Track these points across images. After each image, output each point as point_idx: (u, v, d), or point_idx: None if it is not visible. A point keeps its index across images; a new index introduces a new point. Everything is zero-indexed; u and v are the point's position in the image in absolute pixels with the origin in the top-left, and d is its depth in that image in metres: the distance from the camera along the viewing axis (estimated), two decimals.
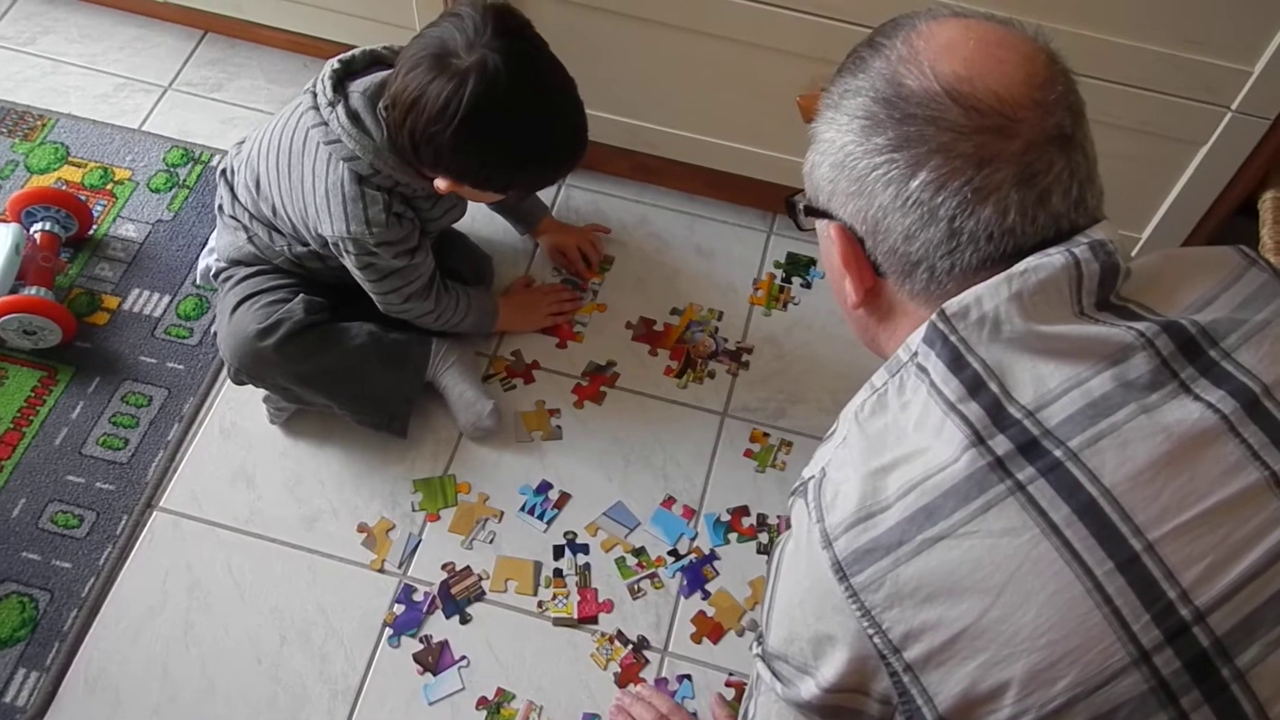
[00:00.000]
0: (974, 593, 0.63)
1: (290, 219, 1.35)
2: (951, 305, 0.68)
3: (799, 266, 1.70)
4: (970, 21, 0.71)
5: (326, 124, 1.25)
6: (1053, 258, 0.67)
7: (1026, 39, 0.70)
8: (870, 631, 0.66)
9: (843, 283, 0.75)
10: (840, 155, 0.71)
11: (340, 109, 1.25)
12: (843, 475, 0.69)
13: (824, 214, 0.74)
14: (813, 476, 0.72)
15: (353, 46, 1.73)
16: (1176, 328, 0.68)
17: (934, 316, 0.68)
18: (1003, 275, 0.67)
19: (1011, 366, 0.67)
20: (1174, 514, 0.63)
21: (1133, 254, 0.73)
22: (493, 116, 1.17)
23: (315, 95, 1.27)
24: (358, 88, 1.27)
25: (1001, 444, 0.65)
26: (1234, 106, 1.32)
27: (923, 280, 0.71)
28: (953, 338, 0.67)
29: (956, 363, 0.67)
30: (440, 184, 1.26)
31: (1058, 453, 0.65)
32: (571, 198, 1.77)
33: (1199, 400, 0.66)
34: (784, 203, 0.80)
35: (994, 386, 0.66)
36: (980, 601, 0.63)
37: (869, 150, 0.69)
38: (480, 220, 1.68)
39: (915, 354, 0.70)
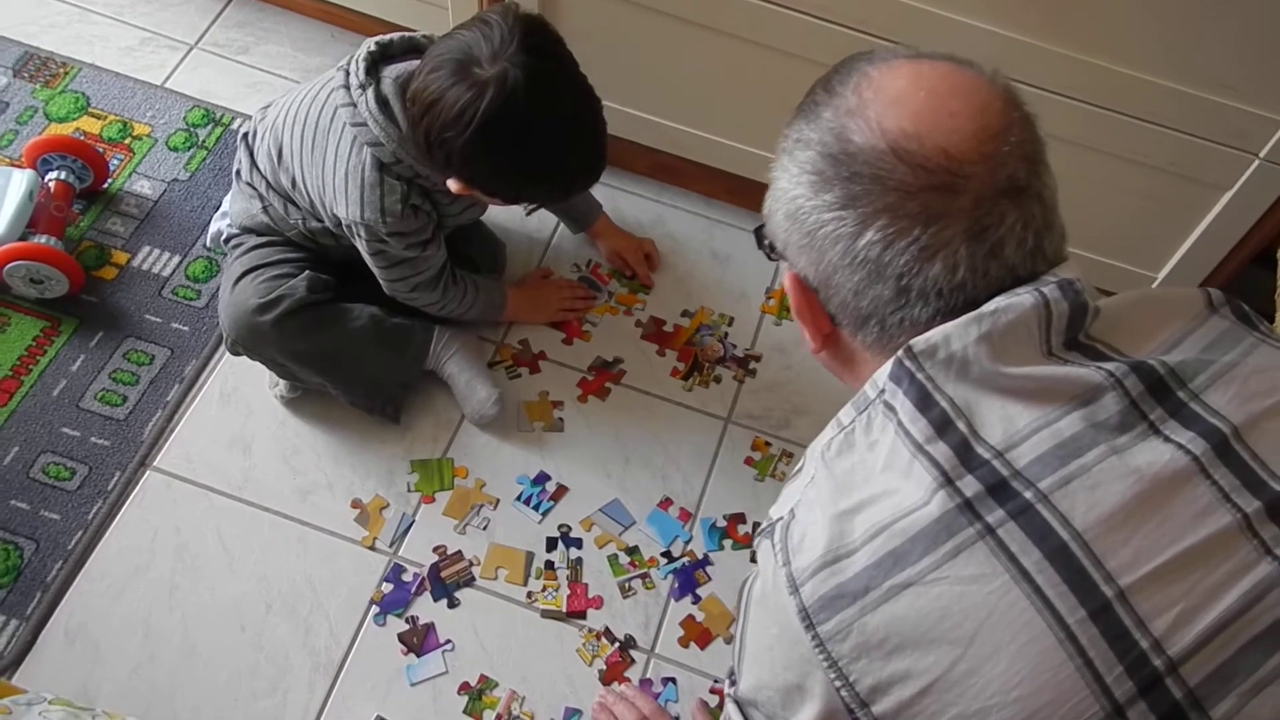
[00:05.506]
0: (943, 643, 0.62)
1: (308, 193, 1.33)
2: (919, 343, 0.66)
3: None
4: (924, 67, 0.69)
5: (355, 105, 1.24)
6: (1022, 298, 0.66)
7: (982, 84, 0.68)
8: (838, 684, 0.64)
9: (802, 328, 0.76)
10: (792, 206, 0.70)
11: (370, 93, 1.23)
12: (811, 518, 0.67)
13: (783, 257, 0.74)
14: (780, 518, 0.70)
15: (384, 21, 1.73)
16: (1145, 368, 0.66)
17: (900, 353, 0.67)
18: (972, 315, 0.66)
19: (979, 405, 0.66)
20: (1145, 559, 0.61)
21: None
22: (506, 132, 1.15)
23: (348, 74, 1.26)
24: (390, 74, 1.25)
25: (970, 485, 0.64)
26: (1262, 154, 1.32)
27: (874, 333, 0.71)
28: (920, 375, 0.66)
29: (924, 401, 0.66)
30: (452, 185, 1.25)
31: (1028, 494, 0.63)
32: None
33: (1169, 442, 0.64)
34: (754, 233, 0.79)
35: (962, 425, 0.65)
36: (950, 652, 0.61)
37: (818, 206, 0.68)
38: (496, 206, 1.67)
39: (882, 391, 0.68)
